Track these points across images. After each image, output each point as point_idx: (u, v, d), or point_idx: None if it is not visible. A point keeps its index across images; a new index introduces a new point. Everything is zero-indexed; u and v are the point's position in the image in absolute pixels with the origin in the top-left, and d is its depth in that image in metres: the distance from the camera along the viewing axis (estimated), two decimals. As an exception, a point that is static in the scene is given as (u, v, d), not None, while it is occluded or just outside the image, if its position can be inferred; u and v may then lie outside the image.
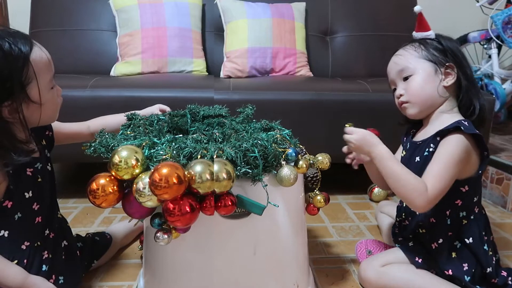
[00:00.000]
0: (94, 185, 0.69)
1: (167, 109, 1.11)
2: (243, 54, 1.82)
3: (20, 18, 2.04)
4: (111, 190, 0.69)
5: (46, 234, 0.85)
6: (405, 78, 0.92)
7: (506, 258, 1.11)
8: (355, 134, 0.87)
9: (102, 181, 0.69)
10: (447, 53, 0.90)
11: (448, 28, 2.41)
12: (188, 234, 0.74)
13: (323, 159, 0.94)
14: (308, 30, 1.98)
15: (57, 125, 0.95)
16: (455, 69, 0.89)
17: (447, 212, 0.91)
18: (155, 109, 1.10)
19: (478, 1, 2.10)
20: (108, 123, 1.02)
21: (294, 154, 0.79)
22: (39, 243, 0.83)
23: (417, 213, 0.96)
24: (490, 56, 2.08)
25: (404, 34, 0.98)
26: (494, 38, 1.97)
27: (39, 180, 0.84)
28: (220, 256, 0.80)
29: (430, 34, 0.92)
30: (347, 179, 1.79)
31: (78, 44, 1.86)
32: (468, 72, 0.91)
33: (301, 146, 0.91)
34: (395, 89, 0.96)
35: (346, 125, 0.91)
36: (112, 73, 1.78)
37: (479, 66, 2.15)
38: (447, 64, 0.89)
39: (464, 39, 2.18)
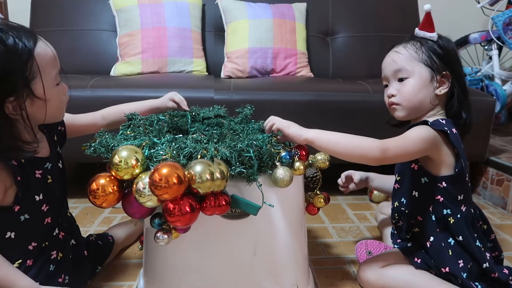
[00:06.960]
0: (94, 185, 0.69)
1: (176, 98, 1.06)
2: (244, 54, 1.82)
3: (20, 18, 2.03)
4: (111, 190, 0.69)
5: (55, 234, 0.83)
6: (400, 79, 0.91)
7: (506, 259, 1.11)
8: (281, 120, 0.85)
9: (102, 181, 0.70)
10: (445, 59, 0.89)
11: (449, 29, 2.41)
12: (188, 234, 0.74)
13: (322, 159, 0.93)
14: (309, 31, 1.98)
15: (70, 118, 0.93)
16: (450, 78, 0.89)
17: (430, 209, 0.92)
18: (166, 100, 1.06)
19: (479, 2, 2.10)
20: (123, 112, 0.98)
21: (288, 157, 0.79)
22: (47, 243, 0.81)
23: (406, 211, 0.97)
24: (490, 57, 2.09)
25: (405, 35, 0.97)
26: (495, 39, 1.97)
27: (49, 181, 0.81)
28: (220, 256, 0.80)
29: (434, 36, 0.89)
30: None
31: (78, 44, 1.86)
32: (462, 81, 0.91)
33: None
34: (386, 85, 0.95)
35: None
36: (112, 73, 1.78)
37: (479, 67, 2.15)
38: (443, 72, 0.88)
39: (464, 40, 2.18)
